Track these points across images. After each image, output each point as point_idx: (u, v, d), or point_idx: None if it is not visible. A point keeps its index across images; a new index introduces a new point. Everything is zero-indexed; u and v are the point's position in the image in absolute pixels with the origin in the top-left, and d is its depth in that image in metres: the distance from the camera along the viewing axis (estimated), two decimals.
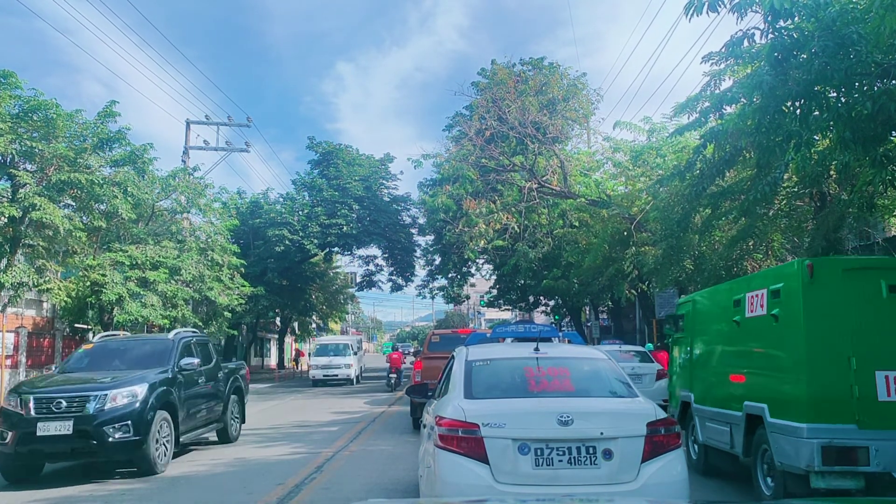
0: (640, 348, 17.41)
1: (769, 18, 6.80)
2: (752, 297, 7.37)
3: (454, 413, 4.97)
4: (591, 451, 4.69)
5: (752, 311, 7.35)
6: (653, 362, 15.23)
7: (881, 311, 6.16)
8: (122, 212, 19.24)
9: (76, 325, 22.98)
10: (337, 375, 29.52)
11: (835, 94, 7.21)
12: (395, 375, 26.43)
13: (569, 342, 8.21)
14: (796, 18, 6.92)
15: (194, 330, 14.43)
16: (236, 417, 12.42)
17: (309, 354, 50.75)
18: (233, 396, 12.16)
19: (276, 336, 48.07)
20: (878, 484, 5.93)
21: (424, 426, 5.94)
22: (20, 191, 17.28)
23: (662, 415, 5.04)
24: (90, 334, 23.98)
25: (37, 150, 17.19)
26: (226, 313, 27.01)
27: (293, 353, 51.29)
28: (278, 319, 45.17)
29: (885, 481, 5.86)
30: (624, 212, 17.82)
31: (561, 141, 23.81)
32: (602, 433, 4.73)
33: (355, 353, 31.22)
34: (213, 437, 11.99)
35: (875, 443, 5.85)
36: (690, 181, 11.26)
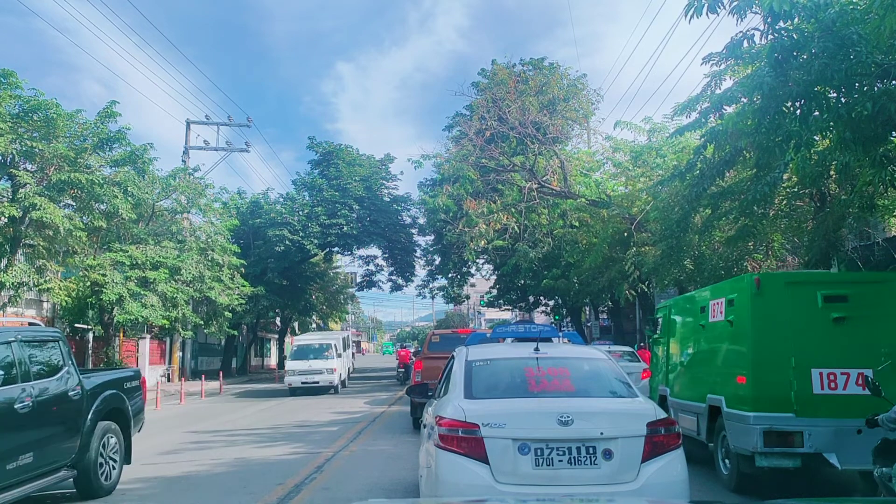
0: (627, 348, 18.36)
1: (769, 20, 6.81)
2: (714, 304, 8.49)
3: (454, 413, 4.97)
4: (591, 451, 4.69)
5: (714, 317, 8.45)
6: (639, 361, 15.73)
7: (817, 318, 7.18)
8: (123, 212, 19.25)
9: (76, 325, 22.99)
10: (318, 382, 23.77)
11: (835, 95, 7.21)
12: (402, 370, 28.88)
13: (568, 342, 8.22)
14: (796, 20, 6.92)
15: (35, 321, 10.01)
16: (112, 458, 8.03)
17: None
18: (102, 424, 7.81)
19: (277, 336, 48.08)
20: (813, 462, 6.96)
21: (424, 426, 5.95)
22: (20, 191, 17.29)
23: (662, 415, 5.05)
24: (90, 334, 24.03)
25: (37, 149, 17.20)
26: (226, 313, 27.03)
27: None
28: (278, 319, 45.15)
29: (817, 460, 6.91)
30: (624, 212, 17.84)
31: (561, 141, 23.81)
32: (602, 433, 4.73)
33: (340, 355, 25.65)
34: (62, 488, 7.74)
35: (809, 428, 6.87)
36: (690, 181, 11.27)
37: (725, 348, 8.15)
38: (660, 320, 10.97)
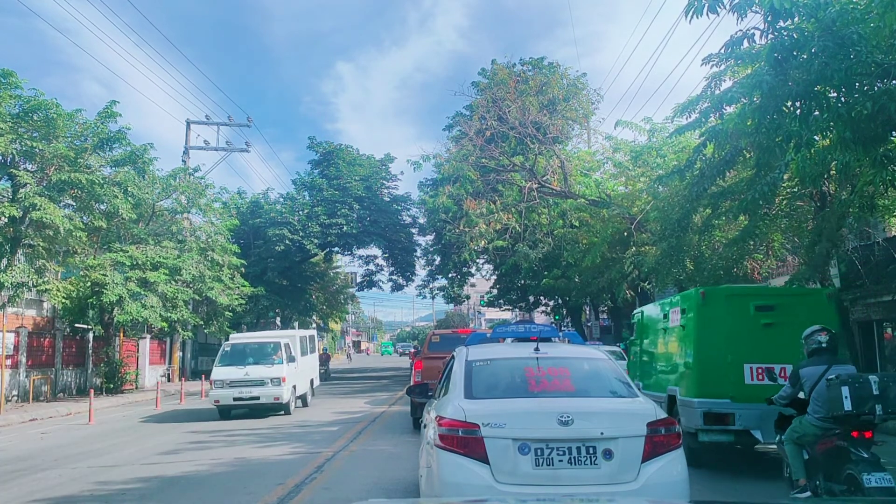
0: (615, 348, 19.54)
1: (769, 19, 6.80)
2: (673, 311, 10.13)
3: (454, 413, 4.96)
4: (591, 451, 4.69)
5: (672, 322, 10.10)
6: (626, 360, 15.88)
7: (749, 323, 8.75)
8: (123, 212, 19.24)
9: (77, 325, 22.99)
10: (258, 398, 16.35)
11: (835, 95, 7.20)
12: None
13: (568, 342, 8.21)
14: (796, 19, 6.92)
15: None
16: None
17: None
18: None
19: None
20: (742, 438, 8.58)
21: (425, 426, 5.94)
22: (21, 191, 17.28)
23: (663, 415, 5.04)
24: (91, 334, 24.03)
25: (37, 149, 17.20)
26: (226, 313, 27.03)
27: None
28: (278, 319, 45.16)
29: (746, 436, 8.52)
30: (624, 212, 17.83)
31: (561, 141, 23.82)
32: (602, 433, 4.73)
33: (293, 359, 17.90)
34: None
35: (739, 411, 8.40)
36: (690, 181, 11.28)
37: (680, 348, 9.74)
38: (634, 325, 12.63)
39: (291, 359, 17.62)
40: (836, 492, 6.01)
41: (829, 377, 6.07)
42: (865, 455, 5.82)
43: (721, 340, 8.73)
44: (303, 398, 18.94)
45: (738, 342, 8.63)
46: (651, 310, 11.73)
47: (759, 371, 8.49)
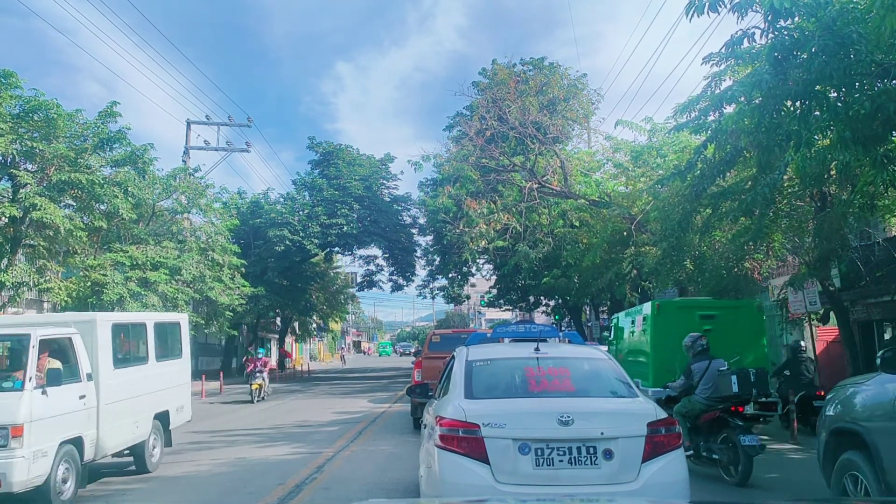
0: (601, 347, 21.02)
1: (769, 18, 6.79)
2: (638, 318, 12.45)
3: (454, 413, 4.96)
4: (591, 451, 4.69)
5: (637, 327, 12.34)
6: None
7: (695, 328, 10.08)
8: (123, 212, 19.25)
9: None
10: None
11: (835, 94, 7.20)
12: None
13: (569, 342, 8.20)
14: (796, 18, 6.91)
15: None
16: None
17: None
18: None
19: (277, 336, 48.05)
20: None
21: (425, 426, 5.94)
22: (21, 191, 17.29)
23: (663, 415, 5.04)
24: None
25: (37, 150, 17.21)
26: (227, 313, 27.01)
27: (279, 353, 44.82)
28: (279, 320, 45.12)
29: None
30: (624, 212, 17.80)
31: (561, 141, 23.80)
32: (602, 433, 4.73)
33: (88, 378, 8.03)
34: None
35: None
36: (691, 181, 11.26)
37: (641, 348, 11.92)
38: (612, 328, 14.73)
39: (82, 377, 8.00)
40: (714, 450, 8.21)
41: (721, 369, 8.44)
42: (741, 423, 8.03)
43: (671, 342, 10.31)
44: (139, 454, 9.37)
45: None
46: (623, 316, 14.15)
47: None
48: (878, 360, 4.92)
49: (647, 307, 12.10)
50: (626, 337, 13.56)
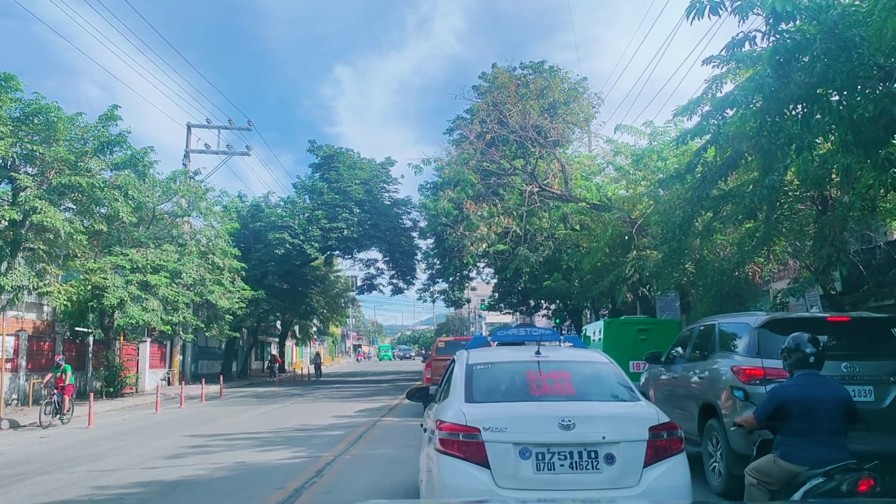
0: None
1: (771, 21, 6.77)
2: (597, 330, 16.02)
3: (455, 417, 4.93)
4: (592, 455, 4.65)
5: (595, 337, 15.84)
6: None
7: (633, 338, 14.32)
8: (123, 215, 19.26)
9: (77, 329, 22.97)
10: None
11: (836, 97, 7.18)
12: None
13: (571, 346, 8.17)
14: (798, 21, 6.89)
15: None
16: None
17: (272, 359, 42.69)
18: None
19: (277, 340, 48.02)
20: None
21: (425, 430, 5.91)
22: (21, 194, 17.29)
23: (665, 419, 5.00)
24: (91, 337, 24.01)
25: (38, 153, 17.23)
26: (227, 316, 27.01)
27: (270, 357, 44.61)
28: (279, 323, 45.07)
29: None
30: (625, 215, 17.78)
31: (562, 144, 23.78)
32: (604, 437, 4.69)
33: None
34: None
35: None
36: (692, 184, 11.24)
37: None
38: (584, 337, 17.47)
39: None
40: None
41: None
42: None
43: (617, 347, 13.42)
44: None
45: (626, 348, 13.67)
46: (590, 328, 17.98)
47: (636, 364, 13.10)
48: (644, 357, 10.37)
49: (601, 323, 16.71)
50: (593, 346, 16.60)
